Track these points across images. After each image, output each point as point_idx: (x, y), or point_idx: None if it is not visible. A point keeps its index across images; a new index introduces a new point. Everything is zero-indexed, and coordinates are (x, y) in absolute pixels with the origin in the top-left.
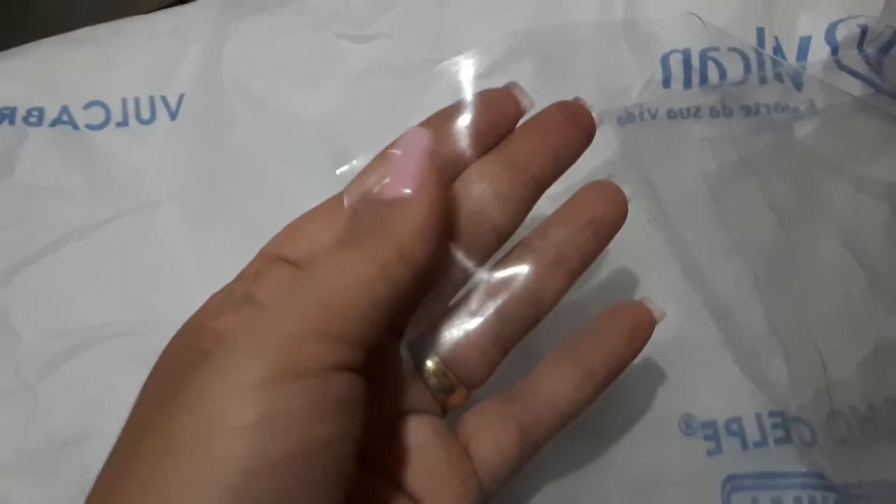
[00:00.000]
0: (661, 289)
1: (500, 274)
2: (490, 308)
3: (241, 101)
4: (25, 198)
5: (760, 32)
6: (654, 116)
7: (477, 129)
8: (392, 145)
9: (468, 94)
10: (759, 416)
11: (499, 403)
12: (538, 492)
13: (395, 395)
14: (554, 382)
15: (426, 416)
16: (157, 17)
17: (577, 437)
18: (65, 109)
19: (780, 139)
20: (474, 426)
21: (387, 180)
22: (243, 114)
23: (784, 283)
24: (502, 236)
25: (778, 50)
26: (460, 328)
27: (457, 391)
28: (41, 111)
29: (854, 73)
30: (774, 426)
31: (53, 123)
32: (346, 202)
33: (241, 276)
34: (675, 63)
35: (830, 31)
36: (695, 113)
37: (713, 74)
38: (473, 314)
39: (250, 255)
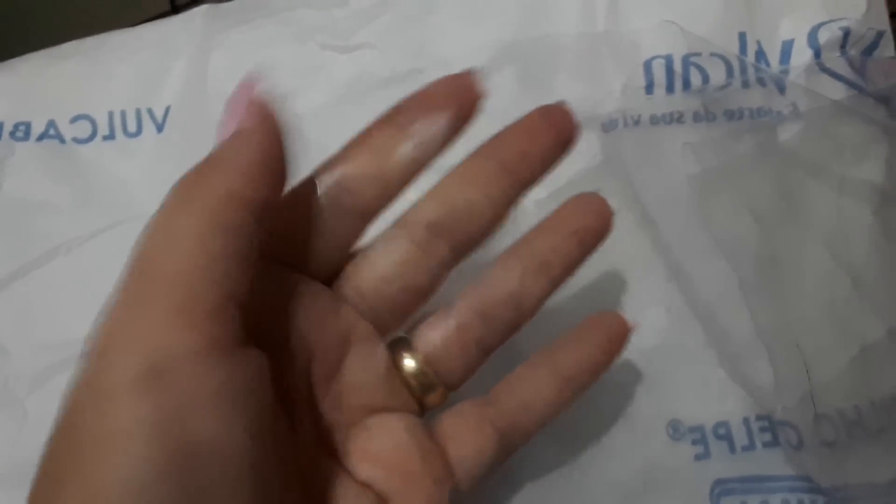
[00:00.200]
0: (646, 293)
1: (485, 277)
2: (473, 310)
3: None
4: (13, 212)
5: (742, 37)
6: (637, 123)
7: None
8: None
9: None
10: (746, 420)
11: (477, 405)
12: (525, 498)
13: (372, 391)
14: (532, 386)
15: (402, 415)
16: (143, 29)
17: (564, 442)
18: (51, 124)
19: (764, 143)
20: (452, 427)
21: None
22: None
23: (768, 286)
24: (487, 234)
25: (760, 54)
26: (442, 328)
27: (436, 391)
28: (28, 126)
29: (837, 76)
30: (762, 430)
31: (40, 138)
32: None
33: None
34: (658, 69)
35: (813, 35)
36: (678, 118)
37: (696, 79)
38: (456, 315)
39: None
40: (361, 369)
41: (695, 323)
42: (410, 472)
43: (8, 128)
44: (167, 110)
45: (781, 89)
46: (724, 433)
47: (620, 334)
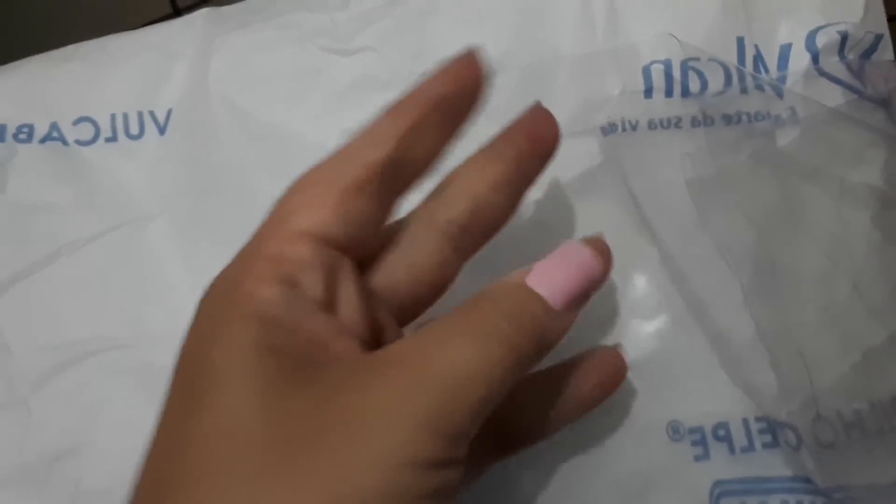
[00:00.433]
0: (646, 296)
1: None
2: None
3: (228, 115)
4: (16, 214)
5: (740, 41)
6: (635, 127)
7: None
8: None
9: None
10: (746, 422)
11: None
12: (523, 499)
13: None
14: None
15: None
16: (144, 33)
17: (563, 443)
18: (54, 126)
19: (762, 148)
20: None
21: (539, 273)
22: (230, 128)
23: (769, 290)
24: (500, 226)
25: (758, 59)
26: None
27: None
28: (31, 128)
29: (835, 80)
30: (762, 431)
31: (43, 140)
32: None
33: (260, 254)
34: (657, 74)
35: (811, 39)
36: (676, 123)
37: (694, 84)
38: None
39: None
40: None
41: (694, 325)
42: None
43: (11, 130)
44: (169, 113)
45: (780, 94)
46: (723, 434)
47: (616, 374)
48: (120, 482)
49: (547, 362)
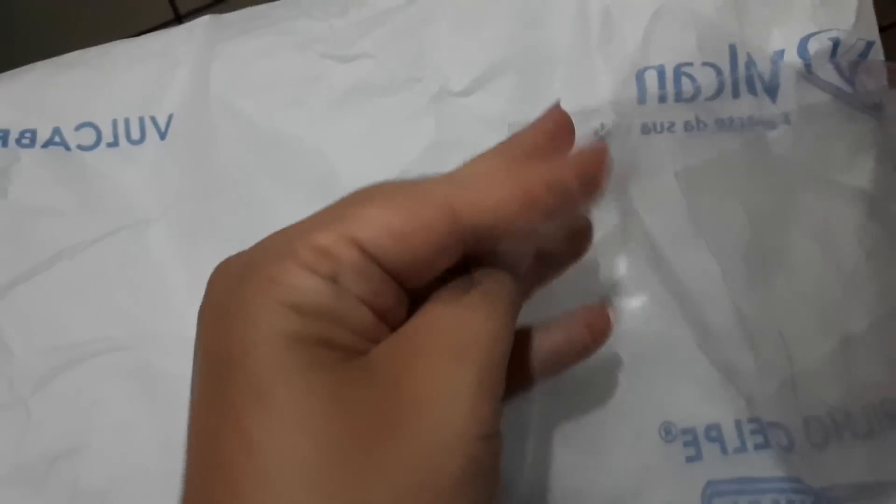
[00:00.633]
0: (639, 294)
1: None
2: None
3: (229, 120)
4: (18, 218)
5: (733, 48)
6: (628, 132)
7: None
8: None
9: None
10: (738, 423)
11: None
12: (518, 500)
13: None
14: None
15: None
16: (146, 39)
17: (556, 444)
18: (57, 131)
19: (754, 150)
20: None
21: None
22: (231, 133)
23: (753, 276)
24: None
25: (751, 65)
26: None
27: None
28: (34, 133)
29: (827, 86)
30: (753, 432)
31: (46, 145)
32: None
33: (308, 243)
34: (650, 79)
35: (803, 46)
36: (669, 128)
37: (687, 90)
38: None
39: None
40: None
41: (687, 326)
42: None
43: (14, 135)
44: (170, 118)
45: (772, 98)
46: (715, 435)
47: (603, 319)
48: (118, 482)
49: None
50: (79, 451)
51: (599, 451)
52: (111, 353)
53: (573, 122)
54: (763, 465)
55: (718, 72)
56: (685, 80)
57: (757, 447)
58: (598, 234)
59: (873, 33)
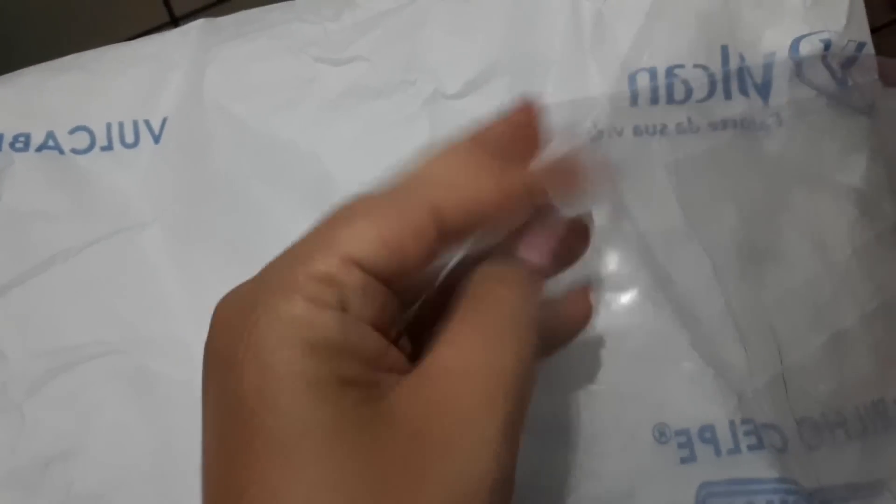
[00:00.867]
0: (631, 293)
1: None
2: None
3: (223, 124)
4: (12, 221)
5: (725, 50)
6: (620, 134)
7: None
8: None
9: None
10: (732, 424)
11: None
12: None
13: None
14: None
15: None
16: (140, 43)
17: (550, 445)
18: (50, 135)
19: (747, 146)
20: None
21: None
22: (225, 136)
23: (744, 270)
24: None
25: (743, 66)
26: None
27: None
28: (27, 137)
29: (819, 87)
30: (747, 433)
31: (39, 149)
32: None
33: (309, 273)
34: (642, 81)
35: (794, 47)
36: (661, 130)
37: (679, 92)
38: None
39: (233, 274)
40: None
41: (682, 328)
42: None
43: (8, 139)
44: (164, 122)
45: (764, 99)
46: (709, 437)
47: (585, 301)
48: (112, 486)
49: None
50: (73, 455)
51: (592, 453)
52: (105, 357)
53: (544, 113)
54: (757, 466)
55: (710, 73)
56: (677, 82)
57: (751, 448)
58: (596, 242)
59: (865, 35)
